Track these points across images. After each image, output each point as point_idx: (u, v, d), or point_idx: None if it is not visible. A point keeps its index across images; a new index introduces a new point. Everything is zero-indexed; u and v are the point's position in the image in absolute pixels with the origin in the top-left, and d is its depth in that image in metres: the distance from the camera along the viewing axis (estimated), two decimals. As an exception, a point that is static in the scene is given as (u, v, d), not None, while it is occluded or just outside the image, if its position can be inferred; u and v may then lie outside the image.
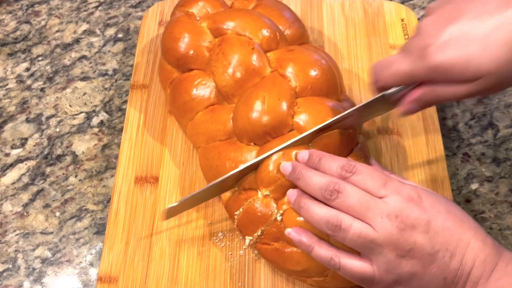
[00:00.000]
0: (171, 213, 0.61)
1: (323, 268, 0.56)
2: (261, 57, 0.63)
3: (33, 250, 0.66)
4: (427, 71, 0.52)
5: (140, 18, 0.85)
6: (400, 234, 0.49)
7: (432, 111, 0.71)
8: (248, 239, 0.59)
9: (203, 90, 0.64)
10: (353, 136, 0.60)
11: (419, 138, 0.69)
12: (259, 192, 0.58)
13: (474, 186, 0.69)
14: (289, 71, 0.61)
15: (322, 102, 0.60)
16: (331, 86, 0.63)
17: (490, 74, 0.50)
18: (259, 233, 0.58)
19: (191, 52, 0.65)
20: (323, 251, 0.53)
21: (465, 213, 0.53)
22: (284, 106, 0.59)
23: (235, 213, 0.59)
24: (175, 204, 0.59)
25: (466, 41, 0.50)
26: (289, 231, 0.55)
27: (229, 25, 0.65)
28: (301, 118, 0.59)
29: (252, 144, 0.60)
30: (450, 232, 0.50)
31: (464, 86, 0.52)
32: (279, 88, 0.60)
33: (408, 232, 0.49)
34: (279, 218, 0.57)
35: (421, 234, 0.49)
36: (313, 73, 0.61)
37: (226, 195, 0.61)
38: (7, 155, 0.73)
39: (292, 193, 0.56)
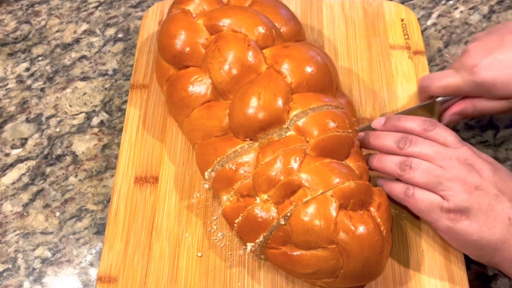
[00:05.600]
0: None
1: (333, 269, 0.55)
2: (257, 53, 0.63)
3: (33, 250, 0.66)
4: (473, 86, 0.63)
5: (140, 18, 0.85)
6: (467, 173, 0.55)
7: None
8: (249, 245, 0.58)
9: (200, 86, 0.64)
10: (350, 139, 0.60)
11: (419, 138, 0.69)
12: (258, 198, 0.58)
13: (474, 186, 0.69)
14: (285, 67, 0.62)
15: (318, 98, 0.60)
16: (326, 82, 0.63)
17: None
18: (261, 239, 0.57)
19: (187, 49, 0.65)
20: (398, 186, 0.59)
21: None
22: (280, 102, 0.59)
23: (235, 221, 0.59)
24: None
25: (507, 65, 0.61)
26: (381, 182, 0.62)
27: (225, 22, 0.65)
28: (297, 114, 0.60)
29: (248, 139, 0.60)
30: None
31: (502, 102, 0.63)
32: (275, 84, 0.60)
33: (475, 173, 0.55)
34: (282, 222, 0.56)
35: (487, 177, 0.55)
36: (308, 69, 0.62)
37: (225, 203, 0.61)
38: (7, 155, 0.73)
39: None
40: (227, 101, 0.63)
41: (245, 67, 0.62)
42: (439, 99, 0.67)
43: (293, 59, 0.62)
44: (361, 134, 0.64)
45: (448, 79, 0.65)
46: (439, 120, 0.68)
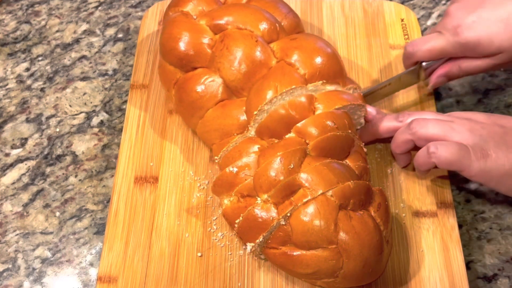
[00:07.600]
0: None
1: (333, 269, 0.55)
2: (265, 48, 0.63)
3: (33, 250, 0.66)
4: (458, 47, 0.64)
5: (140, 18, 0.85)
6: (468, 122, 0.59)
7: (432, 111, 0.71)
8: (249, 245, 0.58)
9: (211, 87, 0.64)
10: (349, 139, 0.60)
11: (419, 138, 0.69)
12: (259, 198, 0.58)
13: (474, 186, 0.69)
14: (295, 59, 0.62)
15: (341, 97, 0.61)
16: (338, 70, 0.63)
17: (510, 49, 0.62)
18: (261, 239, 0.57)
19: (193, 50, 0.65)
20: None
21: None
22: (302, 98, 0.60)
23: (236, 221, 0.59)
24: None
25: (489, 23, 0.62)
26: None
27: (229, 20, 0.65)
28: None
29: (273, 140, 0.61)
30: None
31: (486, 60, 0.64)
32: (289, 76, 0.60)
33: (473, 122, 0.59)
34: (282, 222, 0.56)
35: (485, 120, 0.59)
36: (319, 59, 0.62)
37: (226, 204, 0.60)
38: (7, 155, 0.73)
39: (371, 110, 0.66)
40: (241, 99, 0.63)
41: (255, 63, 0.62)
42: (424, 64, 0.68)
43: (303, 50, 0.62)
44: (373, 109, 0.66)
45: (432, 43, 0.66)
46: (426, 84, 0.70)
